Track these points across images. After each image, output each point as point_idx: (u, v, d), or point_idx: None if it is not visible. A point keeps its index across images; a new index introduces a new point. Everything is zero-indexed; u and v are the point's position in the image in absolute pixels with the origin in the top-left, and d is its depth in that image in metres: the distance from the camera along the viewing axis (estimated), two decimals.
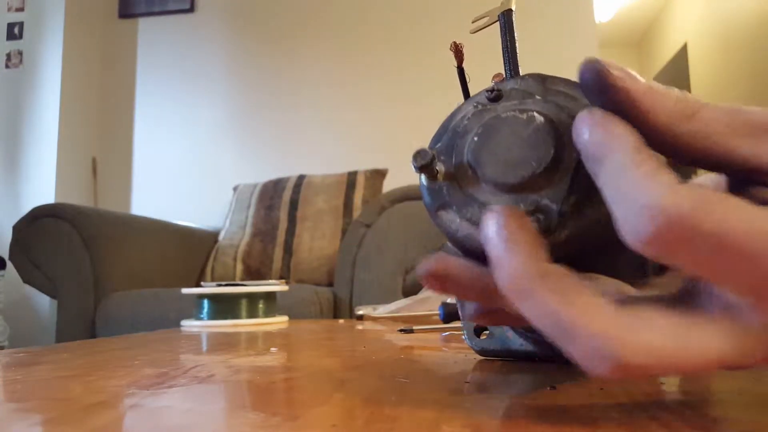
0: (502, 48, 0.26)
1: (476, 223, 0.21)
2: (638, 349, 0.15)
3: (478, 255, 0.21)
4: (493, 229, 0.18)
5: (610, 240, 0.18)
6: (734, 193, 0.16)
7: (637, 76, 0.18)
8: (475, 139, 0.22)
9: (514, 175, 0.21)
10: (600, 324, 0.16)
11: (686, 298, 0.17)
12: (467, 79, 0.28)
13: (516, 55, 0.26)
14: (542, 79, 0.23)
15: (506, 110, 0.23)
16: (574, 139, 0.19)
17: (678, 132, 0.18)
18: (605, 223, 0.19)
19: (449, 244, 0.23)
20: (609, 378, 0.16)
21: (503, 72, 0.26)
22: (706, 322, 0.16)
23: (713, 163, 0.18)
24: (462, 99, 0.29)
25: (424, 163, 0.22)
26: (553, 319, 0.16)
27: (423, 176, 0.23)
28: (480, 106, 0.24)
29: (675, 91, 0.18)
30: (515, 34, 0.26)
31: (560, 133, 0.21)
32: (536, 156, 0.21)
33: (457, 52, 0.28)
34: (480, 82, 0.29)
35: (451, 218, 0.22)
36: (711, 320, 0.16)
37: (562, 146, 0.21)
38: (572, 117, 0.21)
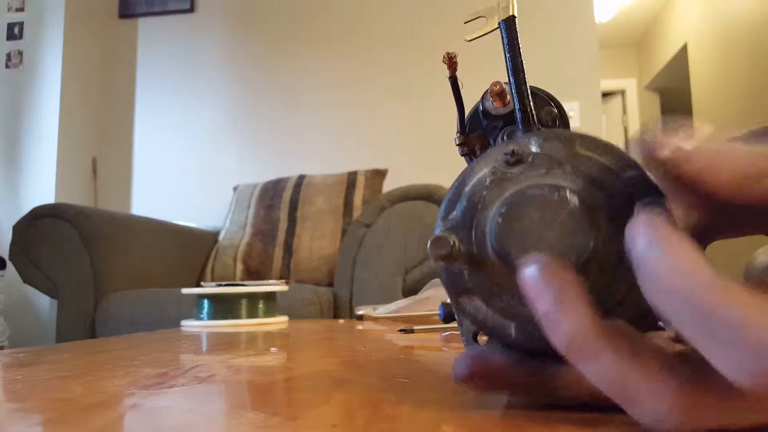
0: (506, 62, 0.24)
1: (510, 316, 0.20)
2: (696, 421, 0.16)
3: (508, 346, 0.20)
4: (540, 284, 0.16)
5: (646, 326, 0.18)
6: None
7: (693, 148, 0.16)
8: (499, 220, 0.20)
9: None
10: (662, 393, 0.16)
11: None
12: (460, 86, 0.28)
13: (522, 71, 0.24)
14: (569, 142, 0.20)
15: (531, 184, 0.20)
16: (627, 245, 0.16)
17: (747, 196, 0.16)
18: (644, 315, 0.19)
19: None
20: None
21: (502, 82, 0.25)
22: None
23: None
24: (455, 109, 0.28)
25: (444, 253, 0.20)
26: (621, 383, 0.16)
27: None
28: (498, 173, 0.21)
29: (741, 150, 0.16)
30: (520, 45, 0.24)
31: (597, 219, 0.19)
32: (573, 246, 0.18)
33: (450, 63, 0.26)
34: (477, 85, 0.28)
35: (477, 306, 0.20)
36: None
37: (598, 233, 0.19)
38: (611, 196, 0.19)
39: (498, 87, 0.25)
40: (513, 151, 0.21)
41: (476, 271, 0.20)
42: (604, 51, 3.91)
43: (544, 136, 0.21)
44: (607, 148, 0.20)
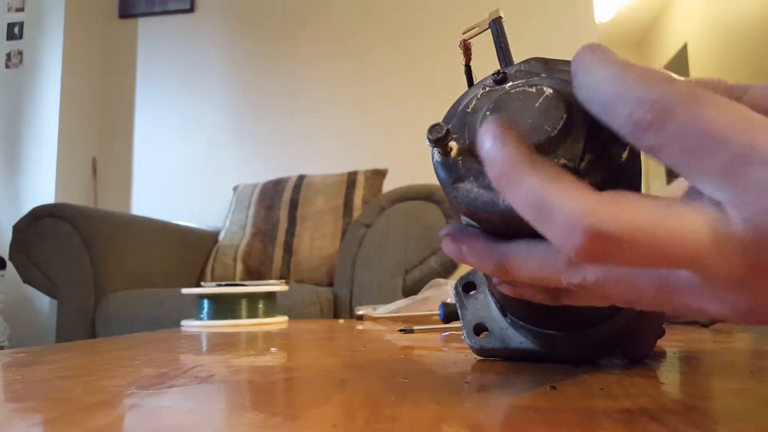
0: (497, 53, 0.27)
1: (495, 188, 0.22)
2: (612, 219, 0.15)
3: (497, 227, 0.21)
4: (487, 135, 0.19)
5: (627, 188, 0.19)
6: None
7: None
8: (487, 113, 0.23)
9: (530, 140, 0.21)
10: (578, 199, 0.16)
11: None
12: (474, 78, 0.28)
13: (511, 58, 0.27)
14: (545, 61, 0.25)
15: (514, 88, 0.24)
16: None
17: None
18: (621, 176, 0.21)
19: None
20: (582, 255, 0.16)
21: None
22: (686, 207, 0.16)
23: None
24: None
25: (438, 136, 0.22)
26: (535, 198, 0.17)
27: (437, 152, 0.23)
28: (487, 88, 0.25)
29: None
30: (507, 39, 0.28)
31: (569, 100, 0.22)
32: (550, 121, 0.21)
33: (466, 49, 0.28)
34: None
35: (469, 188, 0.22)
36: (692, 207, 0.16)
37: (572, 110, 0.21)
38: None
39: (500, 75, 0.28)
40: (499, 71, 0.26)
41: (468, 159, 0.23)
42: None
43: (525, 61, 0.26)
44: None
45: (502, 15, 0.28)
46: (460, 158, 0.23)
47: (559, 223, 0.16)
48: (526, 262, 0.19)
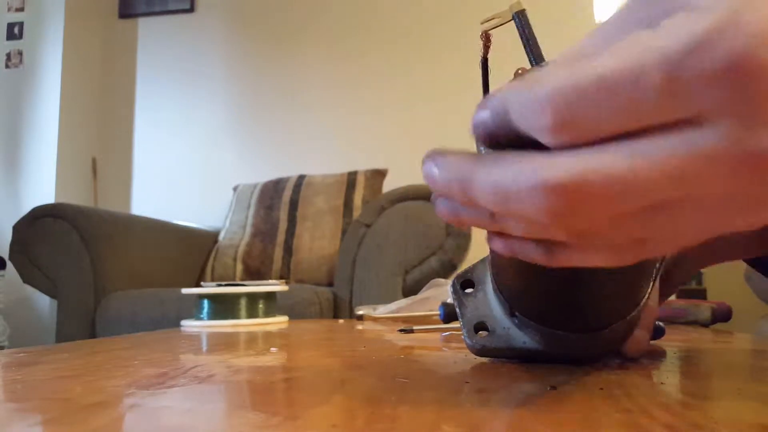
0: (525, 49, 0.26)
1: None
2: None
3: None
4: (425, 166, 0.19)
5: None
6: None
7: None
8: None
9: None
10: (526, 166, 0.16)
11: None
12: (489, 71, 0.28)
13: (541, 54, 0.26)
14: None
15: None
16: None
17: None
18: None
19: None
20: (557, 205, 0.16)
21: (527, 67, 0.26)
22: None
23: None
24: (481, 91, 0.29)
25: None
26: (492, 186, 0.17)
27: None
28: None
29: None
30: (534, 33, 0.26)
31: None
32: None
33: (487, 40, 0.27)
34: (497, 73, 0.28)
35: None
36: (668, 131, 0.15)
37: None
38: None
39: (522, 70, 0.26)
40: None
41: None
42: None
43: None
44: None
45: (524, 7, 0.27)
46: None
47: (523, 194, 0.16)
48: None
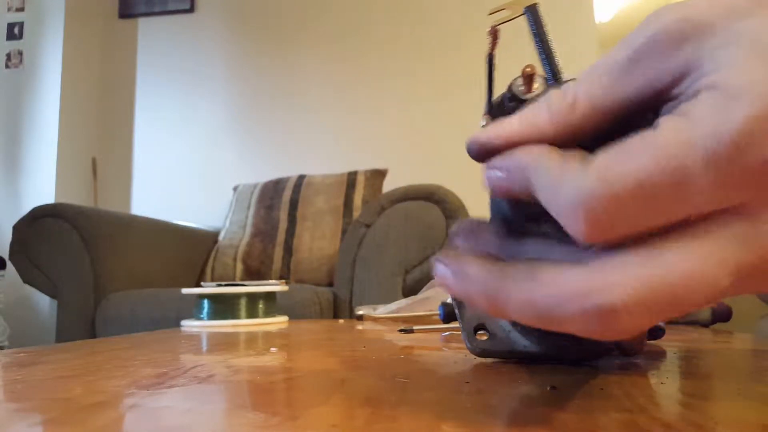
0: (536, 45, 0.25)
1: None
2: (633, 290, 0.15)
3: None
4: (441, 278, 0.18)
5: None
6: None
7: (504, 125, 0.19)
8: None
9: None
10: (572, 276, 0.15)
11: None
12: (494, 67, 0.27)
13: (552, 52, 0.25)
14: None
15: None
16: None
17: (574, 123, 0.18)
18: None
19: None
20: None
21: (533, 65, 0.26)
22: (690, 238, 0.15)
23: (620, 116, 0.18)
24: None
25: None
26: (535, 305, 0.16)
27: None
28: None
29: (545, 99, 0.18)
30: (546, 30, 0.25)
31: None
32: None
33: (495, 36, 0.26)
34: (501, 71, 0.28)
35: None
36: (695, 236, 0.15)
37: None
38: None
39: (530, 69, 0.25)
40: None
41: None
42: (604, 51, 3.91)
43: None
44: None
45: (537, 1, 0.26)
46: None
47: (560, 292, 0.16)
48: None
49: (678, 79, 0.16)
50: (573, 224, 0.15)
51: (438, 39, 2.35)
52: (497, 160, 0.18)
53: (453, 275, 0.18)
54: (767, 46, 0.14)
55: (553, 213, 0.16)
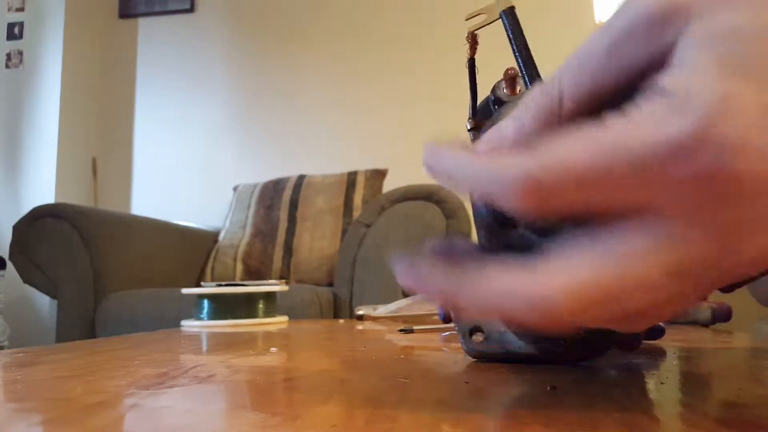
0: (512, 49, 0.25)
1: None
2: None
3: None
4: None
5: None
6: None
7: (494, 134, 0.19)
8: None
9: None
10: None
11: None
12: (477, 71, 0.28)
13: (530, 54, 0.25)
14: None
15: None
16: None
17: (566, 115, 0.18)
18: None
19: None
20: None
21: (516, 68, 0.26)
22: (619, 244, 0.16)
23: (611, 99, 0.18)
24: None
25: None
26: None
27: None
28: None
29: (528, 99, 0.19)
30: (523, 31, 0.25)
31: None
32: None
33: (474, 42, 0.27)
34: (486, 73, 0.28)
35: None
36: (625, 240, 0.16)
37: None
38: None
39: (512, 71, 0.25)
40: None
41: None
42: None
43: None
44: None
45: (513, 4, 0.26)
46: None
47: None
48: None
49: (658, 64, 0.16)
50: (511, 202, 0.16)
51: (438, 39, 2.35)
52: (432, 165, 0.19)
53: (413, 281, 0.19)
54: (733, 52, 0.14)
55: (495, 193, 0.17)
